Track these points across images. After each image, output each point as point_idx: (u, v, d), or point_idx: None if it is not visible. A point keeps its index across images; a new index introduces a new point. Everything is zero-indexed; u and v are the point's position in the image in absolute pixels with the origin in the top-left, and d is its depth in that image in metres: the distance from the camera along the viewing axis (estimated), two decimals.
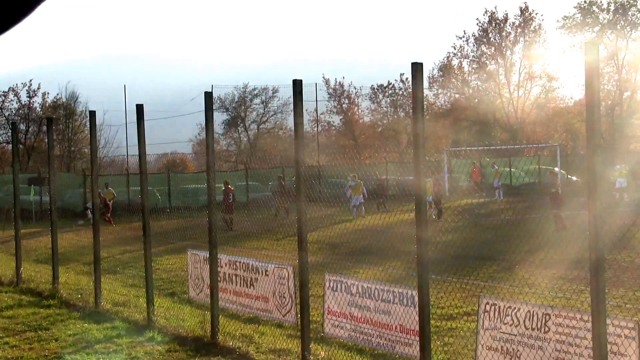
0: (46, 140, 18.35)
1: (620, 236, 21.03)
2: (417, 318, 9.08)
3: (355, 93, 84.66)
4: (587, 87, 6.63)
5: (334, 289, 11.19)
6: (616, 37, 75.47)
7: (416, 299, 9.15)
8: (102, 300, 15.30)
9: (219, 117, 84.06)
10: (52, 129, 19.50)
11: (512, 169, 55.48)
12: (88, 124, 18.80)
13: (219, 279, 12.89)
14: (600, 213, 6.71)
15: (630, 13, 74.59)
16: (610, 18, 75.30)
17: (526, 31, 79.30)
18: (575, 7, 76.87)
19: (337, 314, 11.12)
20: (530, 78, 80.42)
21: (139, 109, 14.10)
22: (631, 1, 74.64)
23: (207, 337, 12.17)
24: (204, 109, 12.47)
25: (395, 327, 10.10)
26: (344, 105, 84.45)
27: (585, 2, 75.90)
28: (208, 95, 12.58)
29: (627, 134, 73.60)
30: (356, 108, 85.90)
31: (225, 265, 13.45)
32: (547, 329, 8.22)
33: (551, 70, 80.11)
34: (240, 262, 13.29)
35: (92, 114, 16.40)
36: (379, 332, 10.37)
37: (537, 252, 21.05)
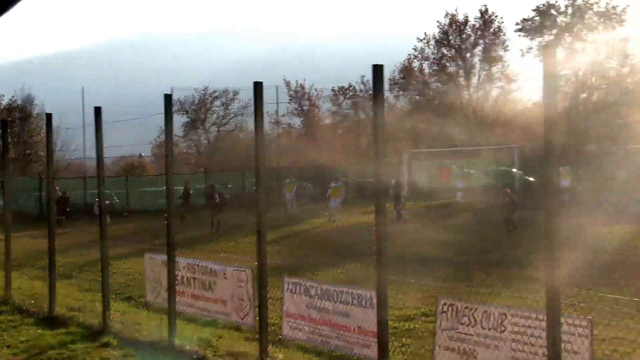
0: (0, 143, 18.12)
1: (574, 235, 21.28)
2: (375, 319, 9.07)
3: (317, 95, 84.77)
4: (544, 88, 6.67)
5: (293, 291, 11.17)
6: (573, 39, 76.18)
7: (374, 300, 9.14)
8: (57, 305, 15.03)
9: (179, 120, 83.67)
10: (7, 132, 19.26)
11: (471, 170, 55.77)
12: (44, 126, 18.55)
13: (176, 282, 12.76)
14: (554, 213, 6.74)
15: (587, 16, 75.37)
16: (568, 21, 76.00)
17: (486, 34, 79.83)
18: (534, 10, 77.52)
19: (295, 316, 11.09)
20: (489, 80, 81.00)
21: (97, 111, 13.93)
22: (588, 4, 75.40)
23: (164, 341, 12.03)
24: (163, 111, 12.33)
25: (354, 329, 10.10)
26: (304, 108, 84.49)
27: (544, 5, 76.55)
28: (167, 98, 12.46)
29: (584, 135, 74.30)
30: (317, 110, 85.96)
31: (184, 268, 13.35)
32: (503, 328, 8.25)
33: (510, 72, 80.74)
34: (198, 265, 13.21)
35: (49, 116, 16.19)
36: (338, 334, 10.35)
37: (494, 252, 21.22)
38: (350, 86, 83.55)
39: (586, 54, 76.47)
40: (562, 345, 6.97)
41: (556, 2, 76.24)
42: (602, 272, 17.59)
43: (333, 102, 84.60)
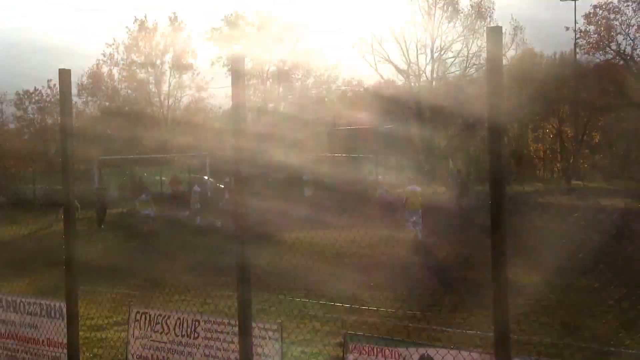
0: None
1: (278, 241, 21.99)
2: (65, 330, 8.83)
3: None
4: (233, 97, 6.77)
5: None
6: (261, 50, 78.66)
7: (64, 310, 8.90)
8: None
9: None
10: None
11: (163, 178, 55.86)
12: None
13: None
14: (245, 220, 6.88)
15: (273, 28, 78.16)
16: (255, 32, 78.40)
17: (176, 41, 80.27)
18: (222, 20, 79.15)
19: None
20: (180, 88, 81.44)
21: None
22: (272, 17, 78.25)
23: None
24: None
25: (43, 341, 9.77)
26: None
27: (231, 15, 78.37)
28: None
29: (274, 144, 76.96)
30: (0, 114, 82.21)
31: None
32: (196, 334, 8.35)
33: (200, 80, 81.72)
34: None
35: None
36: (25, 347, 9.96)
37: (187, 259, 21.37)
38: (37, 90, 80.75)
39: (273, 64, 79.26)
40: (254, 349, 7.17)
41: (243, 12, 78.34)
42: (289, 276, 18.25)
43: (17, 107, 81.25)
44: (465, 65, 74.00)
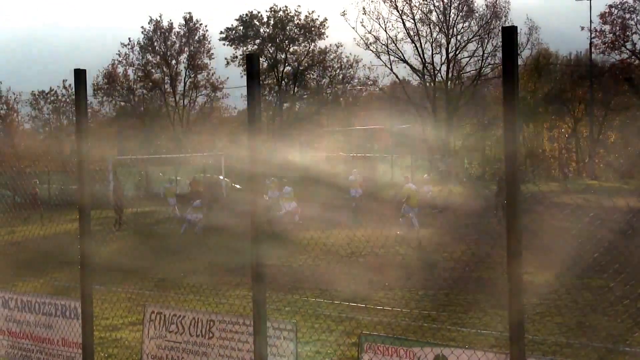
0: None
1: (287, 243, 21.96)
2: (80, 330, 8.85)
3: (15, 99, 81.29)
4: (248, 97, 6.77)
5: None
6: (276, 50, 78.69)
7: (79, 310, 8.91)
8: None
9: None
10: None
11: (179, 178, 55.89)
12: None
13: None
14: (259, 221, 6.88)
15: (288, 28, 78.21)
16: (270, 32, 78.48)
17: (191, 41, 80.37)
18: (237, 20, 79.24)
19: None
20: (195, 87, 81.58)
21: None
22: (289, 16, 78.28)
23: None
24: None
25: (57, 341, 9.79)
26: (1, 112, 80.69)
27: (246, 15, 78.44)
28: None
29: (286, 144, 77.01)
30: (16, 114, 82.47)
31: None
32: (211, 334, 8.35)
33: (215, 80, 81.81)
34: None
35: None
36: (40, 347, 9.99)
37: (202, 259, 21.38)
38: (52, 90, 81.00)
39: (287, 64, 79.26)
40: (269, 349, 7.17)
41: (258, 12, 78.39)
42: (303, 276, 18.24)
43: (33, 107, 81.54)
44: (480, 65, 73.85)
